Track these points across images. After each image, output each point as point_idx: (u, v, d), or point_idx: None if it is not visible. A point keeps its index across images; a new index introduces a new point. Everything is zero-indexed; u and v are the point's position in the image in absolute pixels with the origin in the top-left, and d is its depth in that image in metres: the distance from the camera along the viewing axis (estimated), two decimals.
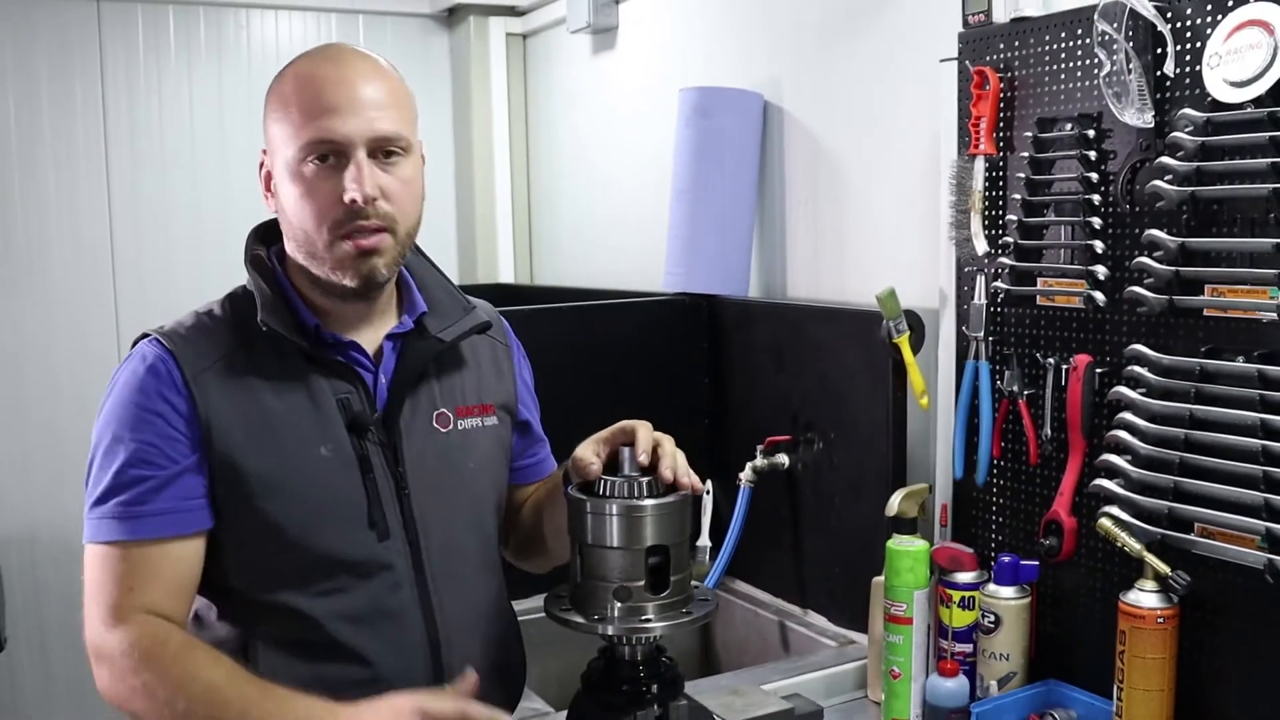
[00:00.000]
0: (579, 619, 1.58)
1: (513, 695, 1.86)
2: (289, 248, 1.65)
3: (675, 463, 1.59)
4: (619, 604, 1.55)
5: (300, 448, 1.60)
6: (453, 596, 1.70)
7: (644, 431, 1.61)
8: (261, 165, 1.65)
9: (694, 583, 1.65)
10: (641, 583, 1.55)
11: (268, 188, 1.65)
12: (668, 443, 1.60)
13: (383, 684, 1.59)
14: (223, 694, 1.48)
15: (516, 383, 1.88)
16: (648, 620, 1.56)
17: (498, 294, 3.88)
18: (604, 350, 2.79)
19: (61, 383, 3.68)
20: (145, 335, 1.63)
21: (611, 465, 1.63)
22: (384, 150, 1.58)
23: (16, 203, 3.65)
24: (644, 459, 1.59)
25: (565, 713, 1.79)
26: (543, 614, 2.58)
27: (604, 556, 1.56)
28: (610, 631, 1.57)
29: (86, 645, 1.55)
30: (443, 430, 1.72)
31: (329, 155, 1.55)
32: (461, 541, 1.73)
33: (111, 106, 3.78)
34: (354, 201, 1.53)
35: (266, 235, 1.71)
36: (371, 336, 1.69)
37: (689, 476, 1.59)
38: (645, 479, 1.57)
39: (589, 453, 1.61)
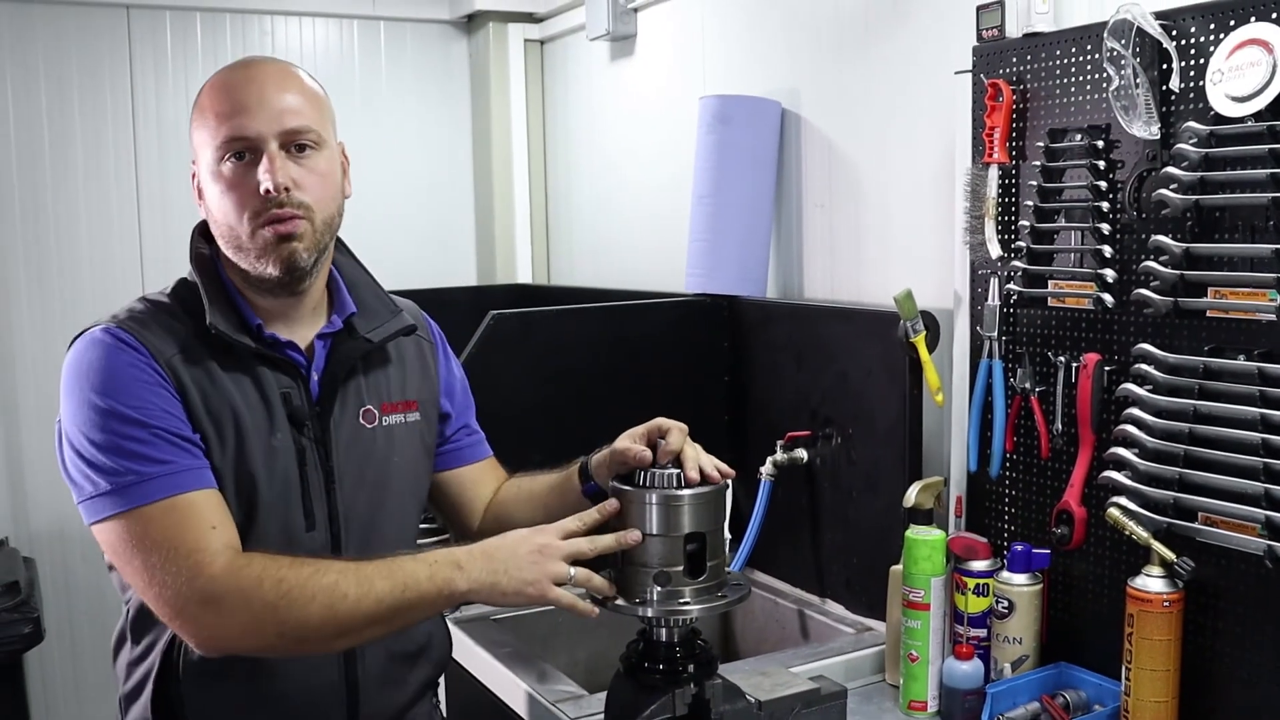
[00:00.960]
0: (621, 602, 1.65)
1: (436, 668, 1.92)
2: (222, 247, 1.71)
3: (701, 463, 1.68)
4: (658, 588, 1.63)
5: (256, 435, 1.66)
6: None
7: (676, 434, 1.70)
8: (193, 176, 1.72)
9: (726, 569, 1.75)
10: (680, 568, 1.63)
11: (199, 196, 1.72)
12: (689, 447, 1.70)
13: (286, 668, 1.68)
14: (360, 578, 1.54)
15: (440, 377, 1.94)
16: (686, 603, 1.64)
17: (517, 294, 3.97)
18: (628, 348, 2.84)
19: None
20: (90, 328, 1.65)
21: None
22: (295, 144, 1.65)
23: (49, 207, 3.73)
24: (665, 459, 1.68)
25: (600, 694, 1.88)
26: None
27: (644, 543, 1.64)
28: (650, 614, 1.64)
29: (169, 607, 1.54)
30: (368, 426, 1.78)
31: (244, 152, 1.63)
32: (380, 533, 1.78)
33: (141, 112, 3.85)
34: (268, 191, 1.61)
35: (209, 233, 1.76)
36: (304, 335, 1.76)
37: (716, 469, 1.69)
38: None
39: (630, 444, 1.71)
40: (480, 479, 2.01)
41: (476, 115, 4.36)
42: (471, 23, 4.33)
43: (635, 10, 3.62)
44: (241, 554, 1.57)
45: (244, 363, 1.68)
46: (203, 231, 1.77)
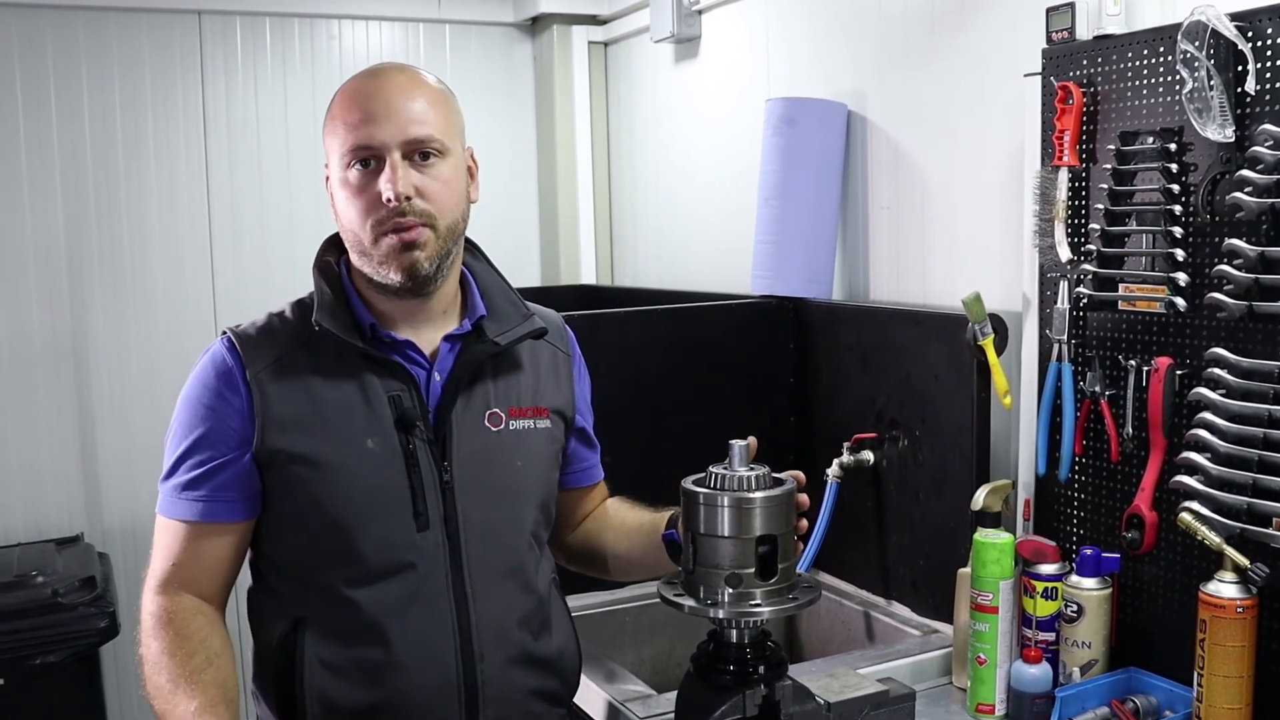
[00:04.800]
0: (692, 603, 1.67)
1: (565, 684, 1.90)
2: (349, 252, 1.76)
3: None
4: (730, 589, 1.65)
5: (348, 438, 1.70)
6: (490, 589, 1.77)
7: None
8: (326, 180, 1.77)
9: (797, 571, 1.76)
10: (751, 569, 1.65)
11: (332, 201, 1.77)
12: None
13: (408, 668, 1.70)
14: (167, 690, 1.65)
15: (574, 391, 1.95)
16: (757, 605, 1.66)
17: (580, 295, 4.00)
18: (696, 349, 2.85)
19: (161, 382, 3.80)
20: (225, 332, 1.76)
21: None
22: (420, 152, 1.70)
23: (123, 211, 3.79)
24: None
25: (668, 694, 1.89)
26: (638, 604, 2.72)
27: (716, 545, 1.66)
28: (722, 615, 1.66)
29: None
30: (494, 429, 1.80)
31: (369, 160, 1.68)
32: (503, 536, 1.80)
33: (211, 114, 3.91)
34: (388, 200, 1.66)
35: (338, 244, 1.81)
36: (430, 337, 1.79)
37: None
38: (754, 473, 1.67)
39: None
40: (588, 500, 2.06)
41: (541, 117, 4.39)
42: (536, 25, 4.35)
43: (700, 12, 3.62)
44: (169, 597, 1.70)
45: (350, 367, 1.73)
46: (334, 241, 1.82)
